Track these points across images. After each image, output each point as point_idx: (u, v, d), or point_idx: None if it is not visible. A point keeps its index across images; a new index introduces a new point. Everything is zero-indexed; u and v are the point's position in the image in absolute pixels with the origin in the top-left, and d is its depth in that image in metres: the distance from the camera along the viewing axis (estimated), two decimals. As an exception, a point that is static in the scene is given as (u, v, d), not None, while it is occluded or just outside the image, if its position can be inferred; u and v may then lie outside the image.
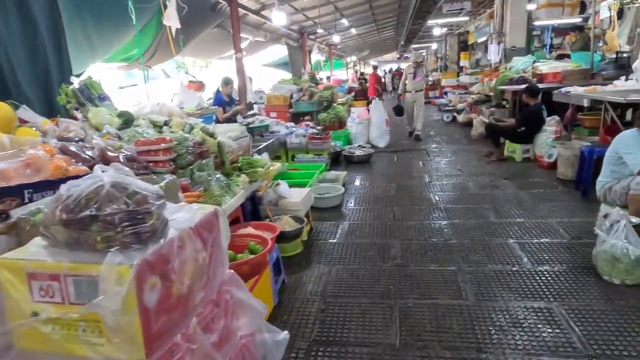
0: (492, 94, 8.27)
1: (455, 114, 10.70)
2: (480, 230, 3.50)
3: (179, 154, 2.53)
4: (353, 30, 16.72)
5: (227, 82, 5.95)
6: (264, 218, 3.48)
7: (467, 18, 14.17)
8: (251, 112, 6.87)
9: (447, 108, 11.55)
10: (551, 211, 3.83)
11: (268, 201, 3.59)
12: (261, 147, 4.57)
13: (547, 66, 7.32)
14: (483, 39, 14.11)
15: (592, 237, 2.95)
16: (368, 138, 7.98)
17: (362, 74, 20.53)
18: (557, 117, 5.65)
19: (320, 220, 4.04)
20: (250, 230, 2.74)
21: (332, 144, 7.04)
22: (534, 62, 7.90)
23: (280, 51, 13.96)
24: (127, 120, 2.86)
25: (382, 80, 26.36)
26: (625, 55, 7.73)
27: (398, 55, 35.43)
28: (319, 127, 7.92)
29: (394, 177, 5.55)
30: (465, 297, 2.53)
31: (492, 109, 7.69)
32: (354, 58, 27.15)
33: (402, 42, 20.65)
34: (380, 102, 8.07)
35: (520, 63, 8.12)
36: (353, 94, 13.92)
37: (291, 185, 4.49)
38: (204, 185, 2.52)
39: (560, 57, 8.36)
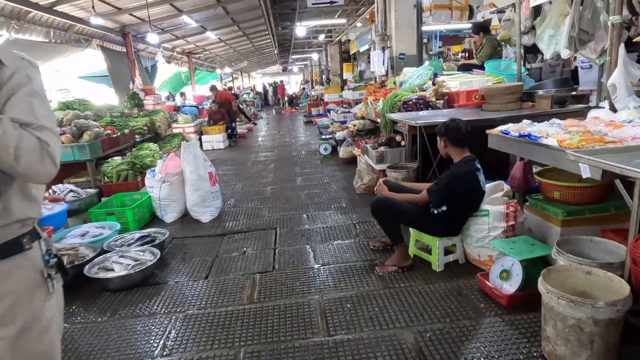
0: (379, 120, 5.48)
1: (335, 143, 7.85)
2: None
3: None
4: (211, 35, 13.26)
5: None
6: None
7: (344, 20, 11.66)
8: None
9: (324, 136, 8.64)
10: None
11: None
12: None
13: (457, 81, 4.70)
14: (365, 47, 11.98)
15: None
16: (185, 207, 4.57)
17: (229, 88, 17.09)
18: (504, 183, 2.86)
19: None
20: None
21: (81, 243, 3.47)
22: (435, 74, 5.30)
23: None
24: None
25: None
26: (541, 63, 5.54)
27: (282, 68, 32.88)
28: (89, 192, 4.30)
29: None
30: None
31: (382, 148, 4.87)
32: (228, 70, 23.59)
33: (277, 51, 17.71)
34: (195, 145, 4.58)
35: (415, 76, 5.47)
36: (207, 117, 10.41)
37: None
38: None
39: (465, 68, 5.92)
